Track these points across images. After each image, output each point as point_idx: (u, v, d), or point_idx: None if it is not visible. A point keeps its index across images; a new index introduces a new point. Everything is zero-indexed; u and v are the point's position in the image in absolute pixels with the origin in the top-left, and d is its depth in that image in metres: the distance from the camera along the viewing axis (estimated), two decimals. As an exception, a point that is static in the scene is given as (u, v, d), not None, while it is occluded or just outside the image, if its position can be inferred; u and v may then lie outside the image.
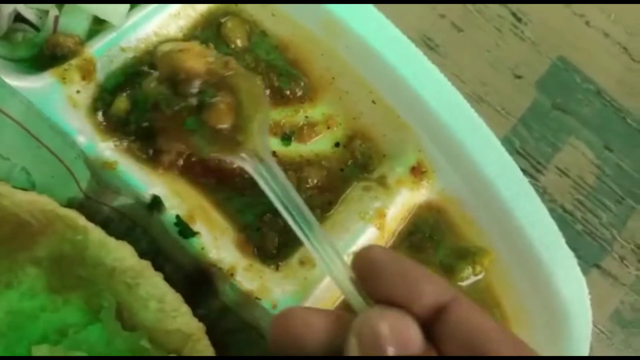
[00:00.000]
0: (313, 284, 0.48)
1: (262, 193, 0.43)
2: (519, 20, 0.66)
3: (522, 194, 0.51)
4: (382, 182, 0.52)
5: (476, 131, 0.52)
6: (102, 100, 0.50)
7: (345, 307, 0.48)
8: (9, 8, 0.50)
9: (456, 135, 0.52)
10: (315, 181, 0.52)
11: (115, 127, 0.48)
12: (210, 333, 0.45)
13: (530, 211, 0.51)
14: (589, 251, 0.60)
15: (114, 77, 0.51)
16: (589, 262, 0.59)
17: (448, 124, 0.52)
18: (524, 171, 0.59)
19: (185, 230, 0.46)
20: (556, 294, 0.50)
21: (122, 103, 0.49)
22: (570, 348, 0.49)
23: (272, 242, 0.50)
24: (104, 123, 0.49)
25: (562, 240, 0.50)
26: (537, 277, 0.50)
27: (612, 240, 0.60)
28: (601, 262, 0.60)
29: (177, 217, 0.46)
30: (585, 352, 0.49)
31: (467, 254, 0.52)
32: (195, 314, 0.44)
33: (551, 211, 0.58)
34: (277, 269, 0.49)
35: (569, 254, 0.50)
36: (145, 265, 0.43)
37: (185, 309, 0.43)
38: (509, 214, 0.51)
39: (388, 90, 0.53)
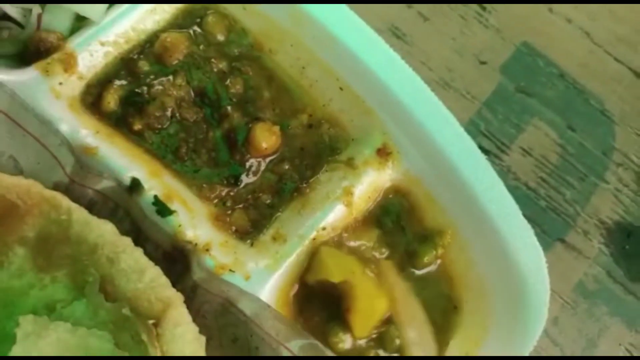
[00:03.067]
0: (285, 258, 0.51)
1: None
2: (484, 8, 0.69)
3: (480, 171, 0.54)
4: (350, 163, 0.55)
5: (437, 113, 0.55)
6: (90, 95, 0.53)
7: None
8: (-6, 7, 0.53)
9: (418, 118, 0.55)
10: (287, 166, 0.56)
11: (100, 116, 0.52)
12: (188, 303, 0.48)
13: (488, 186, 0.54)
14: (552, 226, 0.63)
15: (97, 70, 0.54)
16: (553, 236, 0.62)
17: (411, 108, 0.55)
18: (489, 152, 0.63)
19: (162, 209, 0.49)
20: (514, 263, 0.52)
21: (111, 97, 0.53)
22: (529, 314, 0.52)
23: (245, 221, 0.53)
24: (88, 112, 0.52)
25: (519, 213, 0.53)
26: (496, 249, 0.53)
27: (575, 216, 0.63)
28: (565, 237, 0.63)
29: (155, 197, 0.49)
30: (543, 319, 0.52)
31: (430, 238, 0.55)
32: (175, 288, 0.47)
33: (515, 189, 0.62)
34: (251, 244, 0.52)
35: (526, 225, 0.53)
36: (126, 240, 0.46)
37: (164, 280, 0.46)
38: (469, 190, 0.54)
39: (354, 78, 0.57)
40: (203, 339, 0.45)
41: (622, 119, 0.67)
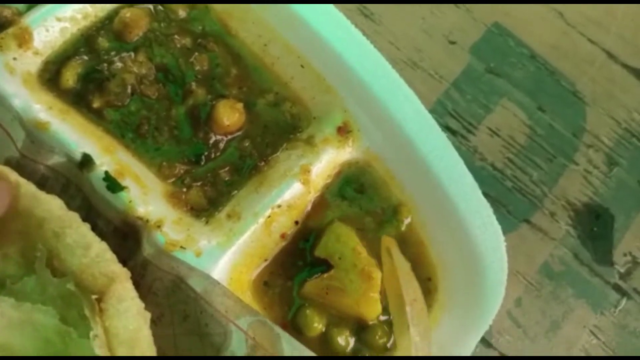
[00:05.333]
0: (238, 235, 0.50)
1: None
2: (455, -12, 0.68)
3: (440, 149, 0.54)
4: (309, 141, 0.55)
5: (398, 91, 0.55)
6: (48, 72, 0.53)
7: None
8: (-51, -18, 0.53)
9: (379, 95, 0.54)
10: (247, 144, 0.55)
11: (58, 93, 0.52)
12: (140, 281, 0.48)
13: (447, 165, 0.53)
14: (518, 207, 0.62)
15: (54, 47, 0.54)
16: (518, 217, 0.61)
17: (371, 86, 0.55)
18: (456, 132, 0.62)
19: (113, 185, 0.49)
20: (472, 241, 0.52)
21: (70, 74, 0.53)
22: (485, 293, 0.51)
23: (201, 199, 0.52)
24: (45, 89, 0.52)
25: (479, 191, 0.53)
26: (454, 227, 0.53)
27: (542, 197, 0.62)
28: (531, 218, 0.62)
29: (106, 172, 0.49)
30: (500, 296, 0.51)
31: (390, 214, 0.55)
32: (126, 266, 0.47)
33: (481, 169, 0.61)
34: (206, 222, 0.52)
35: (485, 204, 0.53)
36: (73, 215, 0.46)
37: (109, 255, 0.46)
38: (428, 168, 0.53)
39: (314, 55, 0.56)
40: (148, 315, 0.45)
41: (593, 100, 0.66)
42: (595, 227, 0.62)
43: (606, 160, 0.64)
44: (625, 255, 0.62)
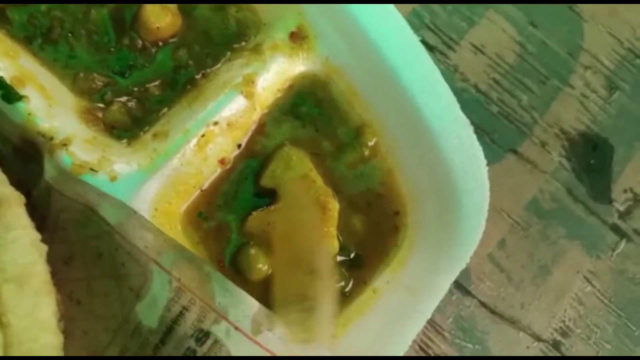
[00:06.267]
0: (164, 157, 0.42)
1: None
2: None
3: (412, 58, 0.45)
4: (256, 49, 0.46)
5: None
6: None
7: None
8: None
9: (341, -5, 0.45)
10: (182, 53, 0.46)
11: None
12: (45, 211, 0.39)
13: (420, 76, 0.44)
14: (504, 135, 0.53)
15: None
16: (504, 147, 0.53)
17: (332, -17, 0.45)
18: (434, 48, 0.53)
19: (8, 93, 0.40)
20: (448, 167, 0.44)
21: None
22: (462, 225, 0.43)
23: (123, 117, 0.44)
24: None
25: (457, 108, 0.44)
26: (427, 150, 0.44)
27: (532, 124, 0.54)
28: (518, 147, 0.53)
29: (0, 78, 0.40)
30: (480, 230, 0.43)
31: (354, 136, 0.46)
32: (30, 195, 0.38)
33: (463, 91, 0.52)
34: (128, 144, 0.43)
35: (465, 122, 0.44)
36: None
37: (1, 177, 0.37)
38: (397, 81, 0.45)
39: (265, -55, 0.47)
40: (44, 247, 0.36)
41: (592, 15, 0.57)
42: (592, 159, 0.54)
43: (606, 83, 0.56)
44: (625, 191, 0.54)
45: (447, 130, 0.44)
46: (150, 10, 0.45)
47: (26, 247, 0.36)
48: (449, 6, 0.55)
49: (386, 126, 0.46)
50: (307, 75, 0.47)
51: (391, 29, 0.45)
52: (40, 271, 0.35)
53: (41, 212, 0.40)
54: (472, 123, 0.45)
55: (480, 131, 0.51)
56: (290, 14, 0.47)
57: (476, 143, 0.44)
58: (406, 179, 0.46)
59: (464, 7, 0.55)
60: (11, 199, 0.36)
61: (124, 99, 0.45)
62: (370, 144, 0.46)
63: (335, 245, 0.43)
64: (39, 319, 0.34)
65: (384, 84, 0.45)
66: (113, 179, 0.40)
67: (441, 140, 0.44)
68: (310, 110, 0.47)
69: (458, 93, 0.46)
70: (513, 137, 0.53)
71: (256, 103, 0.45)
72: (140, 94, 0.45)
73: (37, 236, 0.36)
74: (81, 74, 0.44)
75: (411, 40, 0.45)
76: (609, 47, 0.57)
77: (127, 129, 0.44)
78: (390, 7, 0.45)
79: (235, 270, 0.43)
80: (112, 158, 0.41)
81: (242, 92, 0.44)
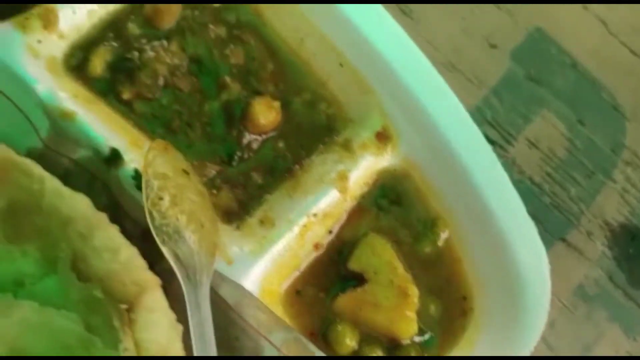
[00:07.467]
0: (271, 243, 0.48)
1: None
2: (497, -12, 0.65)
3: (485, 162, 0.51)
4: (346, 146, 0.52)
5: (441, 97, 0.52)
6: (75, 57, 0.50)
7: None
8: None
9: (421, 101, 0.52)
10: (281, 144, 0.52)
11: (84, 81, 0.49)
12: (167, 288, 0.45)
13: (492, 179, 0.51)
14: (555, 224, 0.59)
15: (81, 30, 0.50)
16: (555, 235, 0.59)
17: (413, 90, 0.52)
18: (494, 142, 0.59)
19: (140, 182, 0.46)
20: (514, 262, 0.50)
21: (99, 61, 0.49)
22: (526, 317, 0.49)
23: (231, 202, 0.49)
24: (71, 76, 0.48)
25: (524, 210, 0.50)
26: (496, 245, 0.50)
27: (579, 214, 0.60)
28: (567, 236, 0.60)
29: (135, 170, 0.46)
30: (542, 322, 0.49)
31: (428, 224, 0.52)
32: (153, 270, 0.44)
33: (519, 183, 0.58)
34: (237, 227, 0.49)
35: (530, 223, 0.50)
36: (101, 216, 0.43)
37: (140, 262, 0.43)
38: (471, 181, 0.51)
39: (355, 54, 0.53)
40: (180, 327, 0.42)
41: (634, 115, 0.64)
42: (630, 248, 0.60)
43: (644, 179, 0.62)
44: (660, 279, 0.60)
45: (514, 229, 0.50)
46: (258, 107, 0.51)
47: (166, 328, 0.41)
48: (508, 103, 0.61)
49: (457, 219, 0.52)
50: (389, 170, 0.53)
51: (466, 134, 0.52)
52: (177, 350, 0.41)
53: (163, 286, 0.45)
54: (528, 212, 0.51)
55: (535, 220, 0.56)
56: (376, 114, 0.53)
57: (540, 243, 0.50)
58: (474, 267, 0.51)
59: (520, 105, 0.62)
60: (152, 284, 0.42)
61: (230, 185, 0.50)
62: (443, 234, 0.52)
63: (414, 327, 0.49)
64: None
65: (457, 182, 0.51)
66: (230, 263, 0.46)
67: (508, 237, 0.50)
68: (391, 202, 0.53)
69: (515, 184, 0.52)
70: (562, 227, 0.59)
71: (347, 195, 0.51)
72: (245, 180, 0.51)
73: (173, 316, 0.42)
74: (195, 162, 0.50)
75: (484, 145, 0.51)
76: (647, 144, 0.63)
77: (235, 212, 0.50)
78: (466, 114, 0.52)
79: (326, 343, 0.49)
80: (226, 242, 0.47)
81: (337, 187, 0.50)
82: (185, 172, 0.45)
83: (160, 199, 0.43)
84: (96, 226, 0.43)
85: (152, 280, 0.42)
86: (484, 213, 0.51)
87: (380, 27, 0.53)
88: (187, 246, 0.42)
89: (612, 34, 0.66)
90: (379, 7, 0.53)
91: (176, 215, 0.43)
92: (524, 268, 0.49)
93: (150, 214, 0.42)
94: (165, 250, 0.42)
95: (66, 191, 0.43)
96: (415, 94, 0.52)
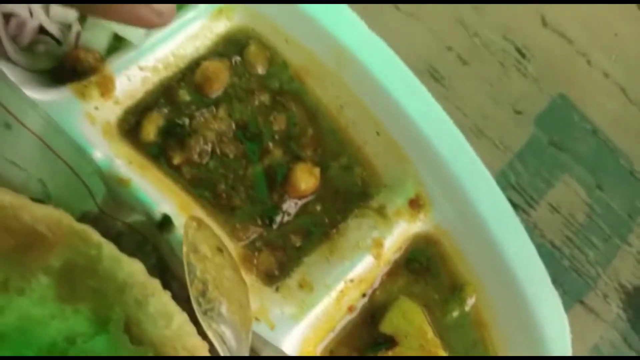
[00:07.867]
0: (310, 308, 0.50)
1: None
2: (523, 55, 0.68)
3: (512, 231, 0.54)
4: (381, 212, 0.55)
5: (472, 168, 0.55)
6: (127, 122, 0.52)
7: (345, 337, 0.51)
8: (34, 22, 0.51)
9: (454, 170, 0.54)
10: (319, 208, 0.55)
11: (136, 145, 0.51)
12: (213, 351, 0.47)
13: (519, 248, 0.53)
14: (574, 287, 0.62)
15: (134, 97, 0.53)
16: (573, 297, 0.62)
17: (447, 160, 0.54)
18: (517, 206, 0.62)
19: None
20: (538, 330, 0.52)
21: (151, 126, 0.52)
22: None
23: (271, 264, 0.52)
24: (124, 140, 0.51)
25: (548, 279, 0.53)
26: (521, 313, 0.53)
27: (596, 277, 0.63)
28: (584, 298, 0.62)
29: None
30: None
31: (456, 289, 0.55)
32: (199, 333, 0.47)
33: (540, 246, 0.61)
34: (277, 289, 0.51)
35: (554, 292, 0.53)
36: (155, 283, 0.45)
37: (190, 328, 0.45)
38: (499, 250, 0.53)
39: (392, 123, 0.56)
40: (226, 391, 0.45)
41: (650, 181, 0.67)
42: (645, 311, 0.63)
43: (658, 243, 0.65)
44: (672, 341, 0.63)
45: (540, 299, 0.53)
46: (300, 173, 0.54)
47: (214, 392, 0.44)
48: (531, 168, 0.64)
49: (485, 286, 0.55)
50: (421, 235, 0.56)
51: (495, 205, 0.54)
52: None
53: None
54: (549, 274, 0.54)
55: (554, 283, 0.59)
56: (410, 182, 0.55)
57: (563, 314, 0.52)
58: (500, 334, 0.54)
59: (544, 170, 0.65)
60: (201, 350, 0.45)
61: (271, 247, 0.53)
62: (470, 299, 0.55)
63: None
64: None
65: (483, 247, 0.54)
66: (272, 327, 0.49)
67: (534, 307, 0.53)
68: (422, 266, 0.55)
69: (537, 248, 0.55)
70: (580, 289, 0.62)
71: (381, 261, 0.53)
72: (284, 242, 0.54)
73: (220, 381, 0.45)
74: (237, 225, 0.53)
75: (512, 216, 0.54)
76: (663, 209, 0.66)
77: (274, 275, 0.52)
78: (495, 185, 0.54)
79: (359, 403, 0.51)
80: (268, 305, 0.50)
81: (372, 254, 0.53)
82: (219, 249, 0.47)
83: (204, 283, 0.45)
84: (151, 293, 0.45)
85: (202, 346, 0.45)
86: (510, 281, 0.53)
87: (415, 98, 0.56)
88: (228, 325, 0.45)
89: (631, 101, 0.69)
90: (415, 80, 0.56)
91: (219, 299, 0.45)
92: (547, 335, 0.52)
93: (197, 300, 0.45)
94: (211, 335, 0.44)
95: (122, 257, 0.46)
96: (447, 163, 0.55)
